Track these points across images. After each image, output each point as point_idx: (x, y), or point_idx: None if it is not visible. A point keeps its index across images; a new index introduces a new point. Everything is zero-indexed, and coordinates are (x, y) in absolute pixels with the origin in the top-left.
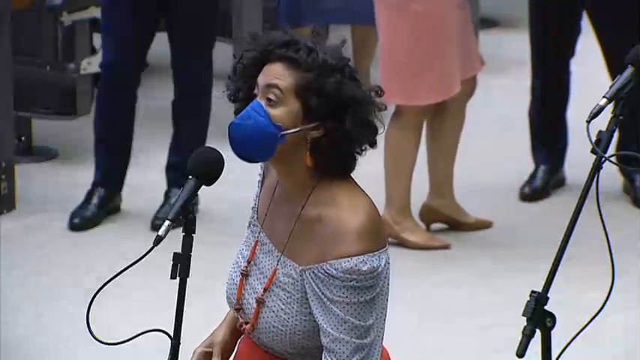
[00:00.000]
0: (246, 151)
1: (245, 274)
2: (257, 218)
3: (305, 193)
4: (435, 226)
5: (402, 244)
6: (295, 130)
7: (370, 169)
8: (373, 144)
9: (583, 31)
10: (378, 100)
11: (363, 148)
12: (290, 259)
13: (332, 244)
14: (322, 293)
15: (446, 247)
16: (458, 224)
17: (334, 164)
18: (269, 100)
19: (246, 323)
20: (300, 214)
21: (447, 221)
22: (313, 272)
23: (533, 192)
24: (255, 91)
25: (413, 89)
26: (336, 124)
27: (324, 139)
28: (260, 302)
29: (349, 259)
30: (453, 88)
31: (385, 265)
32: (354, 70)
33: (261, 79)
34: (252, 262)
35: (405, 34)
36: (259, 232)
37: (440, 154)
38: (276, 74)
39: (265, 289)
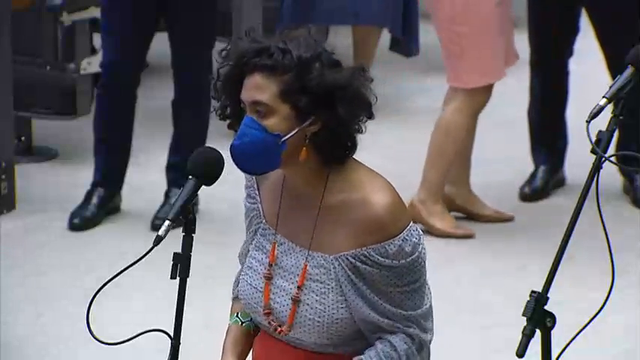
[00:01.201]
0: (253, 166)
1: (269, 278)
2: (266, 222)
3: (320, 184)
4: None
5: (428, 229)
6: (293, 132)
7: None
8: (371, 115)
9: (582, 31)
10: (363, 76)
11: (362, 119)
12: (318, 252)
13: (367, 229)
14: (367, 288)
15: (471, 236)
16: (474, 215)
17: (338, 150)
18: (258, 112)
19: (280, 326)
20: (321, 205)
21: (462, 211)
22: (349, 260)
23: (533, 192)
24: (242, 105)
25: (465, 72)
26: (329, 114)
27: (322, 131)
28: (296, 300)
29: (392, 241)
30: (500, 73)
31: (420, 235)
32: (331, 52)
33: (245, 96)
34: (274, 265)
35: (450, 16)
36: (274, 235)
37: None
38: (258, 87)
39: (299, 287)
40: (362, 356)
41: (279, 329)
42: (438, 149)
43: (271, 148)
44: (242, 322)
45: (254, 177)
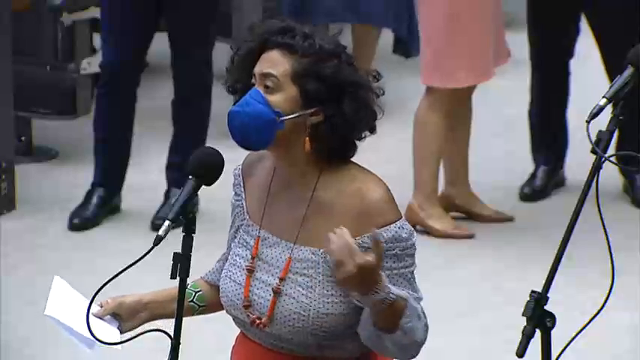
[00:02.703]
0: (246, 138)
1: (251, 271)
2: (249, 218)
3: (312, 178)
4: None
5: (428, 231)
6: (294, 115)
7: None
8: (373, 129)
9: (583, 32)
10: (375, 85)
11: (363, 135)
12: (306, 246)
13: (363, 217)
14: None
15: (470, 236)
16: (474, 215)
17: (335, 149)
18: (267, 87)
19: (259, 318)
20: (312, 198)
21: (462, 211)
22: None
23: (533, 192)
24: (253, 80)
25: (450, 71)
26: (334, 109)
27: (323, 124)
28: (277, 292)
29: (388, 227)
30: (488, 73)
31: (412, 229)
32: (351, 56)
33: (258, 68)
34: (256, 258)
35: (443, 14)
36: (258, 231)
37: (454, 143)
38: (273, 61)
39: (282, 279)
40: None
41: (257, 322)
42: (420, 149)
43: (268, 125)
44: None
45: (240, 174)
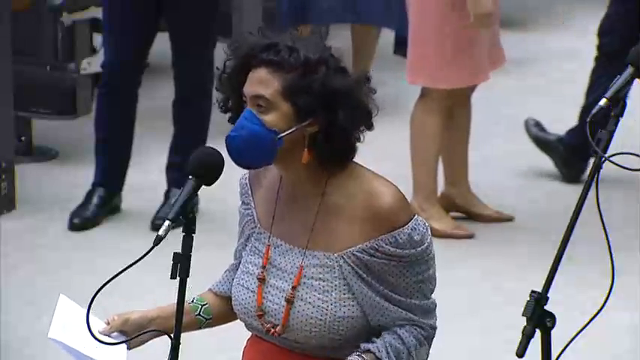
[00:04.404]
0: (247, 160)
1: (262, 280)
2: (260, 226)
3: (318, 185)
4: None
5: None
6: (290, 130)
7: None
8: (370, 127)
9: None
10: (366, 85)
11: (361, 129)
12: (318, 251)
13: (376, 219)
14: (376, 281)
15: (470, 236)
16: (474, 215)
17: (336, 154)
18: (259, 106)
19: (274, 327)
20: (320, 204)
21: (462, 211)
22: (356, 255)
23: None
24: (244, 98)
25: (441, 72)
26: (329, 117)
27: (320, 133)
28: (289, 301)
29: (401, 230)
30: (481, 75)
31: (426, 225)
32: (338, 59)
33: (247, 89)
34: (268, 266)
35: (435, 12)
36: (269, 238)
37: (453, 143)
38: (262, 81)
39: (294, 287)
40: (369, 345)
41: (272, 330)
42: (418, 150)
43: (267, 145)
44: (192, 301)
45: (248, 183)
